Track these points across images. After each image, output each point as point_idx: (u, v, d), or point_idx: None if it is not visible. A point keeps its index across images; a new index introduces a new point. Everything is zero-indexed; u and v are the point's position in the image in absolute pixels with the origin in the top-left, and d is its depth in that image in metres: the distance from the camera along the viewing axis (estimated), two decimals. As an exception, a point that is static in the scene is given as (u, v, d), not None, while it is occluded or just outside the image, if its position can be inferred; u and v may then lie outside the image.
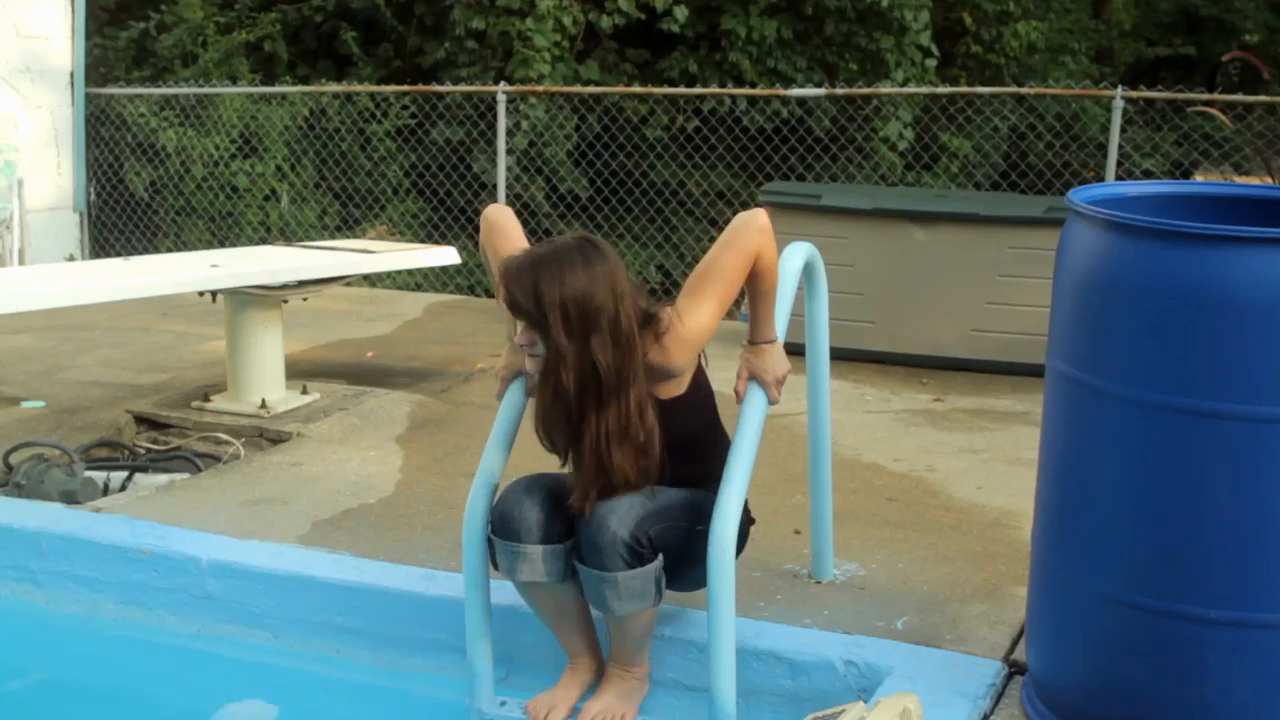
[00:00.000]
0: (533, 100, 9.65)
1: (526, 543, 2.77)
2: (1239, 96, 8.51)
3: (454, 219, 9.71)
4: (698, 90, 9.42)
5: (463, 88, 9.33)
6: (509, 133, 9.17)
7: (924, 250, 6.00)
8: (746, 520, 2.97)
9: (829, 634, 3.10)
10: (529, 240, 2.97)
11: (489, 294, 8.46)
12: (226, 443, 4.81)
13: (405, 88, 9.56)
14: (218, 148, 9.84)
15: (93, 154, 9.71)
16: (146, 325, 6.77)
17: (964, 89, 9.59)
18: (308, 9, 10.89)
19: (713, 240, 2.89)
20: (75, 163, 9.46)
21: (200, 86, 9.80)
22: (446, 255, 5.80)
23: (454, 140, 9.92)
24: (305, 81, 10.50)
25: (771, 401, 2.88)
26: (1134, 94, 8.09)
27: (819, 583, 3.45)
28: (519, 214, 3.12)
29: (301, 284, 5.15)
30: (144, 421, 5.10)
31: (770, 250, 2.80)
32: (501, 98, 8.69)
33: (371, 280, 8.19)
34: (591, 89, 9.56)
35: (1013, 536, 3.81)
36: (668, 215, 9.77)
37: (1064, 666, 2.69)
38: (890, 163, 9.81)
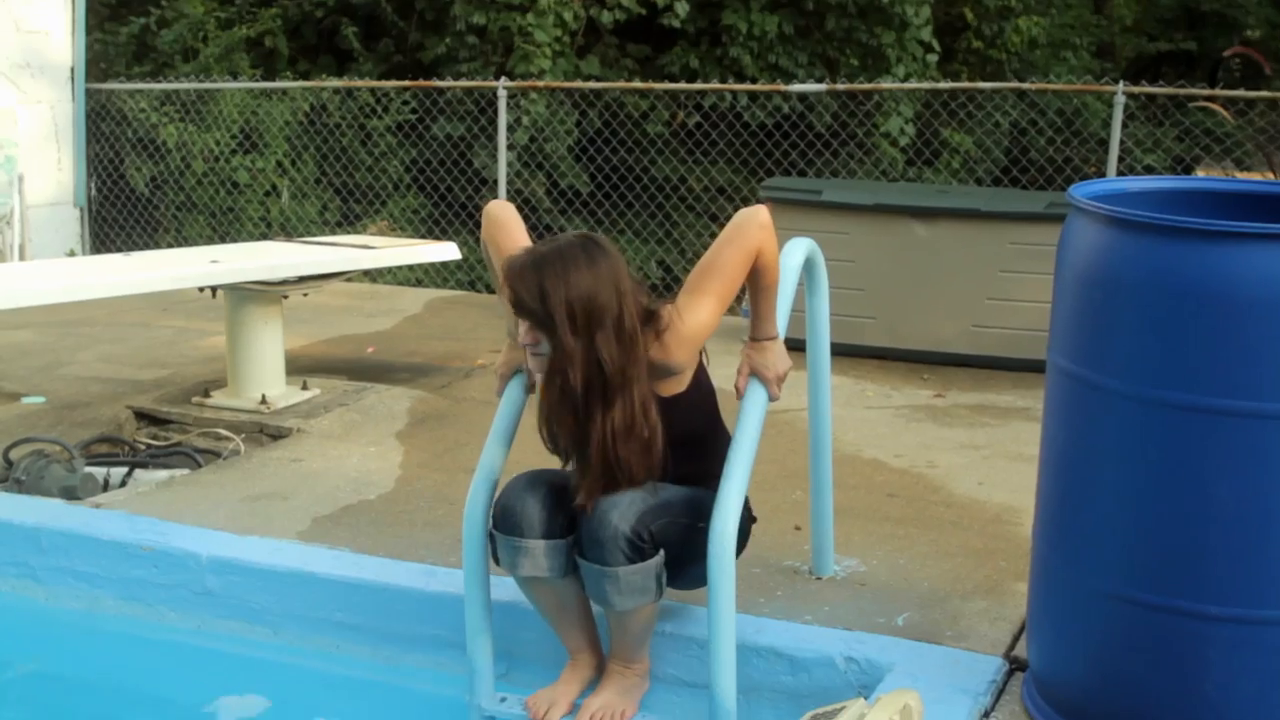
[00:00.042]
0: (533, 95, 9.65)
1: (528, 538, 2.77)
2: (1241, 92, 8.50)
3: (455, 214, 9.70)
4: (699, 86, 9.41)
5: (463, 83, 9.31)
6: (510, 128, 9.17)
7: (925, 246, 5.99)
8: (748, 519, 2.97)
9: (829, 630, 3.09)
10: (531, 236, 2.96)
11: (489, 289, 8.46)
12: (227, 438, 4.81)
13: (406, 83, 9.54)
14: (218, 143, 9.83)
15: (93, 149, 9.71)
16: (147, 321, 6.76)
17: (965, 84, 9.57)
18: (308, 4, 10.88)
19: (713, 236, 2.88)
20: (76, 158, 9.46)
21: (201, 82, 9.79)
22: (447, 251, 5.79)
23: (455, 135, 9.91)
24: (306, 77, 10.50)
25: (772, 398, 2.88)
26: (1135, 89, 8.07)
27: (819, 579, 3.45)
28: (520, 210, 3.12)
29: (302, 279, 5.15)
30: (144, 417, 5.10)
31: (771, 246, 2.79)
32: (502, 93, 8.69)
33: (372, 276, 8.18)
34: (592, 84, 9.55)
35: (1013, 533, 3.80)
36: (668, 211, 9.76)
37: (1065, 663, 2.69)
38: (891, 158, 9.81)
